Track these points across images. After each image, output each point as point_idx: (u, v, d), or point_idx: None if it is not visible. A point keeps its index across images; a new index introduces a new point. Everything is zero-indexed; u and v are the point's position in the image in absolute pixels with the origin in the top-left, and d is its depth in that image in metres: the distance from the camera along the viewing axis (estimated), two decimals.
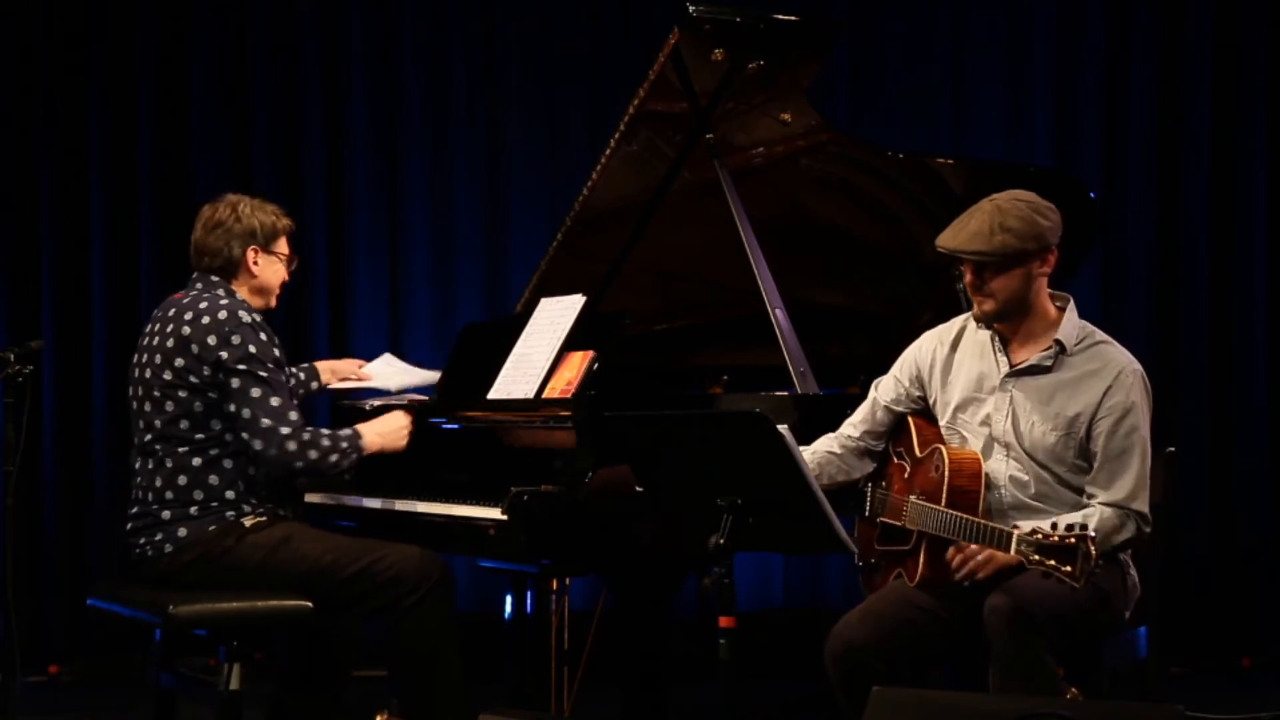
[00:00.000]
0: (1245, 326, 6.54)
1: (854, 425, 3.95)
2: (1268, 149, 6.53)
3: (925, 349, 3.89)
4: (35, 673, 6.20)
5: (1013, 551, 3.33)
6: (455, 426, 4.48)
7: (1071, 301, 3.77)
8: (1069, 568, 3.23)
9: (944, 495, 3.62)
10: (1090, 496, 3.65)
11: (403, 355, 6.54)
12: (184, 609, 3.90)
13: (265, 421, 4.04)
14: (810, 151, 4.82)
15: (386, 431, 4.33)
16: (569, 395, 4.18)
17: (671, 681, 4.15)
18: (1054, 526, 3.29)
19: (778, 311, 4.44)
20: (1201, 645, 6.35)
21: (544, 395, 4.25)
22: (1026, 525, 3.39)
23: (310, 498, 4.68)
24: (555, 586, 4.43)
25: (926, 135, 6.51)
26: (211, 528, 4.07)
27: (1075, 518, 3.53)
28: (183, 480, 4.10)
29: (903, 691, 3.29)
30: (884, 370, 4.01)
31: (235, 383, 4.06)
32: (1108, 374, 3.68)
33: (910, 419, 3.87)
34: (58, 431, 6.41)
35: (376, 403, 4.92)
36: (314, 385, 4.84)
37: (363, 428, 4.30)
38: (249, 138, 6.48)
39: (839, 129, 4.87)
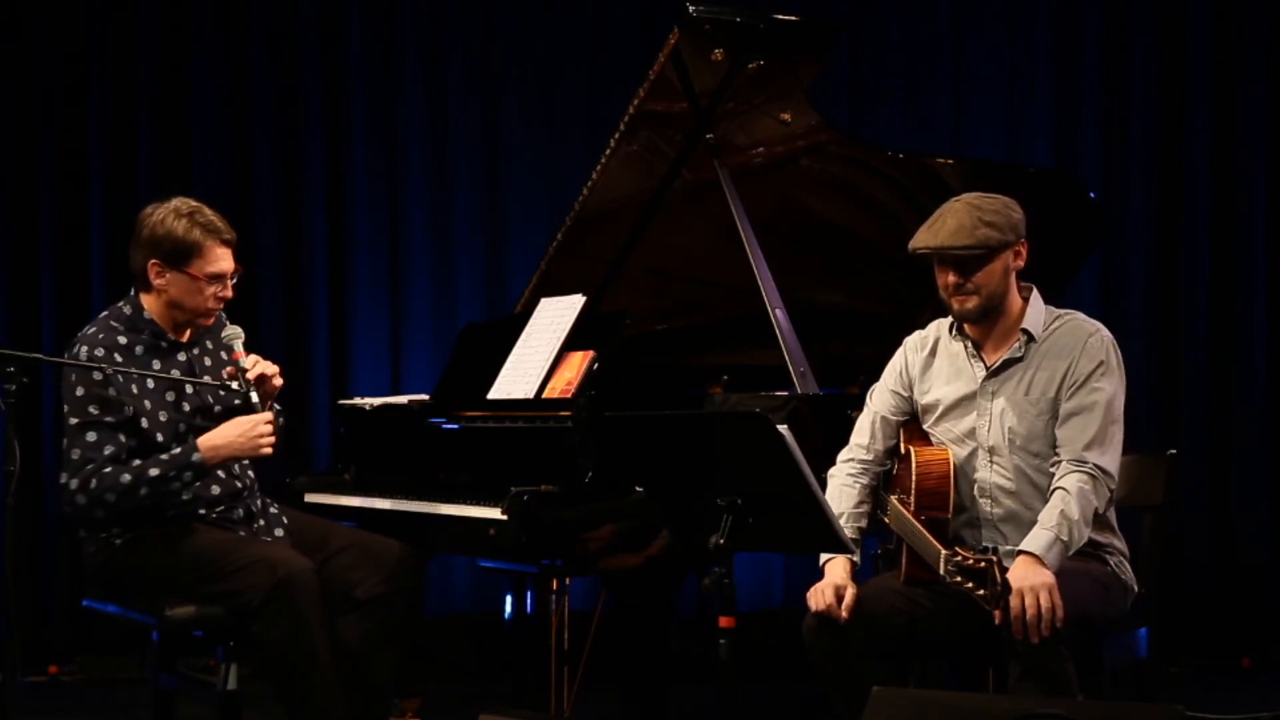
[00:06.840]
0: (1245, 327, 6.53)
1: (865, 449, 3.90)
2: (1268, 149, 6.52)
3: (910, 356, 3.90)
4: (35, 673, 6.19)
5: (941, 571, 3.37)
6: (455, 426, 4.48)
7: (1035, 290, 3.78)
8: (983, 591, 3.26)
9: (912, 498, 3.66)
10: (1056, 456, 3.66)
11: (403, 355, 6.58)
12: (180, 610, 3.89)
13: (63, 473, 3.90)
14: (810, 151, 4.82)
15: (231, 438, 3.92)
16: (569, 395, 4.18)
17: (671, 681, 4.15)
18: (982, 549, 3.33)
19: (778, 311, 4.43)
20: (1201, 645, 6.34)
21: (544, 395, 4.25)
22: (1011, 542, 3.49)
23: (310, 497, 4.68)
24: (555, 586, 4.42)
25: (926, 135, 6.50)
26: (91, 549, 4.03)
27: (1053, 505, 3.55)
28: None
29: (903, 692, 3.30)
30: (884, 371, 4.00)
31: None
32: (1074, 344, 3.70)
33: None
34: (57, 431, 6.39)
35: (376, 402, 4.92)
36: None
37: (204, 439, 3.92)
38: (249, 138, 6.47)
39: (839, 129, 4.87)
